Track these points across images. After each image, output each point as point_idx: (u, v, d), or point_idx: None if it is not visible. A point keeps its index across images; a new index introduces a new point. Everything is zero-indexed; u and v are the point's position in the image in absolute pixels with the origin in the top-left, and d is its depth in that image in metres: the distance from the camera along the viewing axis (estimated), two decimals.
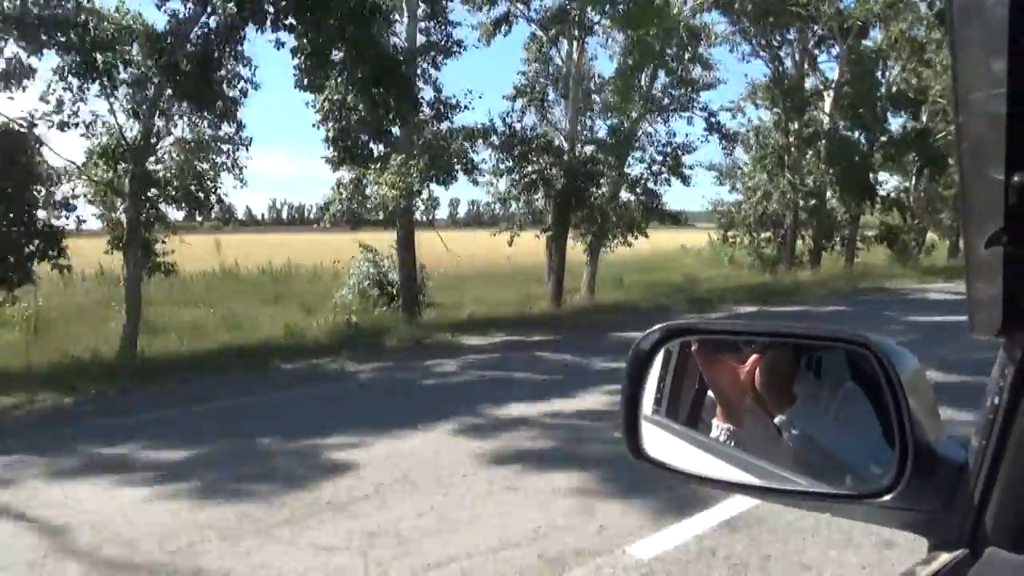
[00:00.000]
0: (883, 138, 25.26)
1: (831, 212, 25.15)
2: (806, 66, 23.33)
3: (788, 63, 23.12)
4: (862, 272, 23.22)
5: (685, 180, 17.15)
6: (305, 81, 11.37)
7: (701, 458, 1.01)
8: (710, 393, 1.03)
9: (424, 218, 13.90)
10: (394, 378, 8.96)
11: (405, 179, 12.01)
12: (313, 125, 12.26)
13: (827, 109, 24.06)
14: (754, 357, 0.95)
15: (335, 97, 11.42)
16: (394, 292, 14.63)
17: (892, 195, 26.79)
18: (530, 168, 15.17)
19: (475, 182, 13.30)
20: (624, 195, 17.04)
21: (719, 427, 1.00)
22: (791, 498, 0.98)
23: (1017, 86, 0.56)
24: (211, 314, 13.50)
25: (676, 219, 17.53)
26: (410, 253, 13.75)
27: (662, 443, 1.05)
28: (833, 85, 23.82)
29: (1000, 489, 0.77)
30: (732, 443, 0.99)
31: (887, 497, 0.83)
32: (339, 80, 11.32)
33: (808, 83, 24.22)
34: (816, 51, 24.40)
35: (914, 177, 28.13)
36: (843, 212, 25.00)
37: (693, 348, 1.04)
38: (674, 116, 17.23)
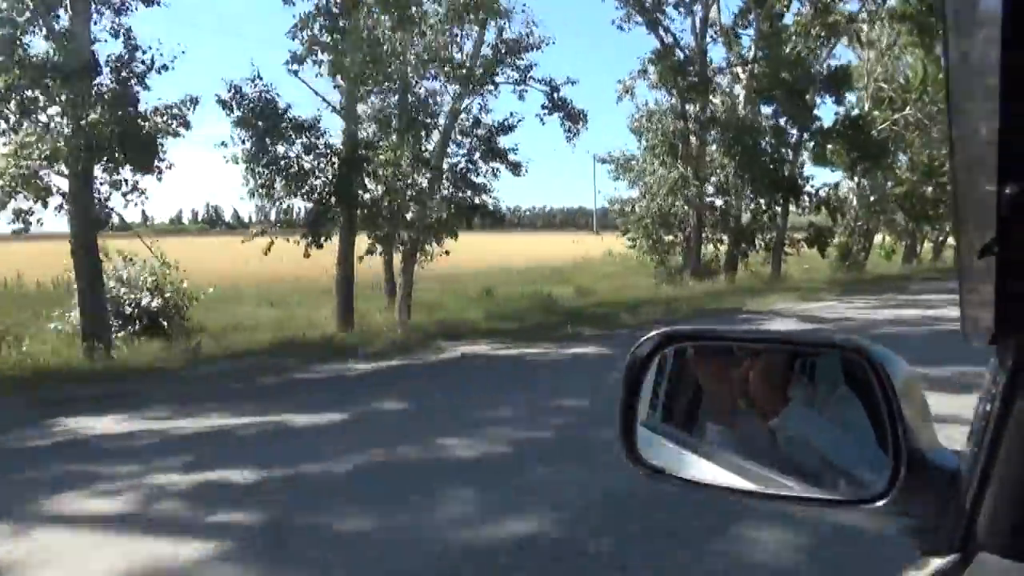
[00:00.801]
0: (813, 126, 21.82)
1: (755, 211, 21.64)
2: (708, 40, 19.79)
3: (688, 36, 19.62)
4: (782, 282, 20.00)
5: (515, 169, 13.74)
6: None
7: (696, 463, 1.02)
8: (705, 397, 1.05)
9: (110, 217, 10.47)
10: None
11: (20, 160, 8.59)
12: None
13: (740, 90, 20.70)
14: (748, 360, 0.96)
15: None
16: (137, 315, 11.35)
17: (822, 192, 23.24)
18: (283, 152, 11.75)
19: (158, 172, 9.91)
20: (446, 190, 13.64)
21: (713, 430, 1.01)
22: (785, 503, 0.95)
23: (1010, 97, 0.57)
24: None
25: (500, 218, 14.16)
26: (90, 258, 10.32)
27: (658, 449, 1.05)
28: (742, 63, 20.41)
29: (991, 495, 0.77)
30: (726, 447, 0.99)
31: (880, 503, 0.83)
32: None
33: (719, 62, 20.92)
34: (737, 27, 20.92)
35: (855, 173, 24.40)
36: (761, 211, 21.45)
37: (688, 352, 1.05)
38: (501, 89, 13.82)
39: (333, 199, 11.75)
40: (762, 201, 21.00)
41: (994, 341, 0.73)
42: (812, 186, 22.95)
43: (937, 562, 0.78)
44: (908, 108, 24.11)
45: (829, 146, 22.60)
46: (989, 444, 0.76)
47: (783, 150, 21.08)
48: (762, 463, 0.94)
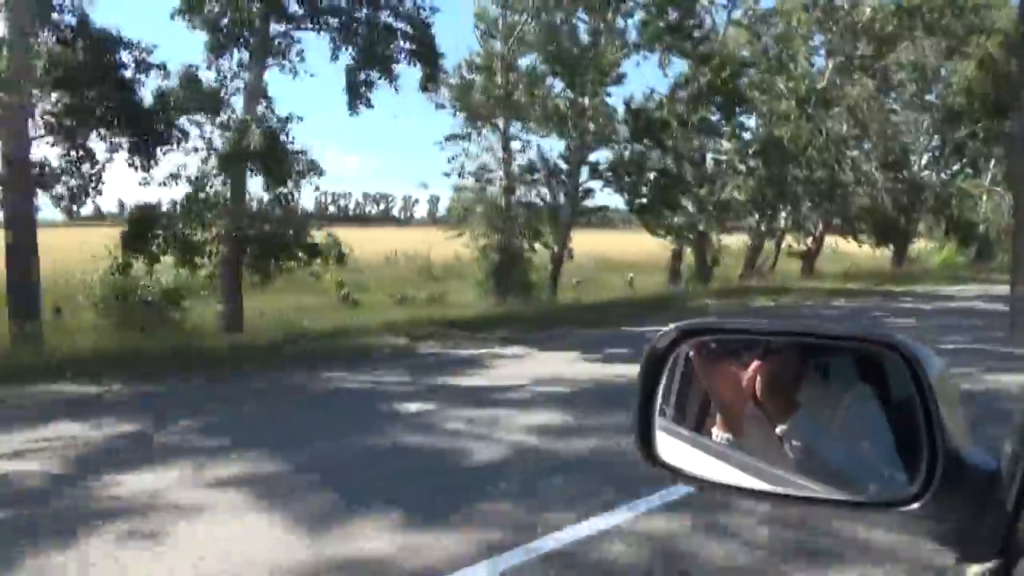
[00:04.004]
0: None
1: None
2: None
3: None
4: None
5: None
6: None
7: (714, 464, 0.97)
8: (712, 404, 1.00)
9: None
10: None
11: None
12: None
13: None
14: (756, 364, 0.92)
15: None
16: None
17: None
18: None
19: None
20: None
21: (719, 436, 0.98)
22: (813, 505, 0.92)
23: None
24: None
25: None
26: None
27: (674, 448, 1.01)
28: None
29: None
30: (739, 451, 0.96)
31: (914, 506, 0.79)
32: None
33: None
34: None
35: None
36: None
37: (691, 354, 1.00)
38: None
39: None
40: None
41: None
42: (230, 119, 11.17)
43: (976, 568, 0.74)
44: None
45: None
46: None
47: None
48: (780, 467, 0.90)
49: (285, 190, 11.45)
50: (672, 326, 0.98)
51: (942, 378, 0.81)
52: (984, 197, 31.16)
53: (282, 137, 11.17)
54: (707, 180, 19.11)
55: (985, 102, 26.33)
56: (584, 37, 16.11)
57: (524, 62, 15.96)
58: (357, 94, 12.27)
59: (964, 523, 0.78)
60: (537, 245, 16.00)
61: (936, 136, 28.54)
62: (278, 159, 11.02)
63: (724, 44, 18.69)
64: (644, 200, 16.14)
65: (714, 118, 17.71)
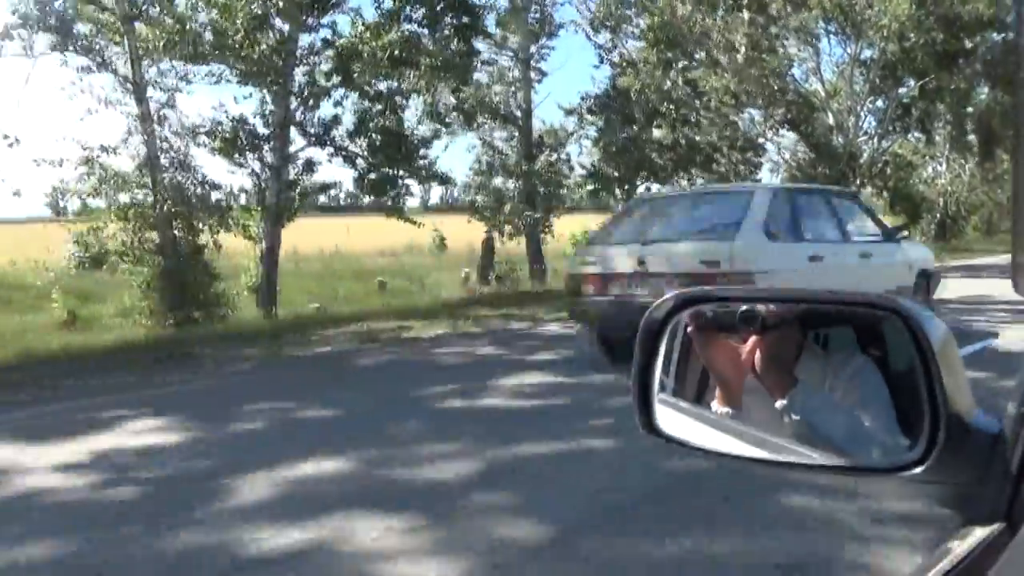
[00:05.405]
0: None
1: None
2: None
3: None
4: None
5: None
6: None
7: (715, 434, 0.96)
8: (710, 379, 1.00)
9: None
10: None
11: None
12: None
13: None
14: (754, 338, 0.91)
15: None
16: None
17: None
18: None
19: None
20: None
21: (718, 410, 0.97)
22: (818, 472, 0.94)
23: None
24: None
25: None
26: None
27: (673, 419, 0.99)
28: None
29: None
30: (739, 423, 0.96)
31: (917, 470, 0.78)
32: None
33: None
34: None
35: None
36: None
37: (689, 329, 0.98)
38: None
39: None
40: None
41: None
42: None
43: (980, 531, 0.73)
44: None
45: None
46: None
47: None
48: (781, 439, 0.89)
49: None
50: (671, 293, 0.97)
51: (944, 342, 0.79)
52: (944, 166, 26.40)
53: None
54: (529, 146, 14.95)
55: (927, 50, 21.60)
56: None
57: None
58: None
59: (968, 486, 0.77)
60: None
61: (881, 97, 23.92)
62: None
63: None
64: (385, 172, 11.88)
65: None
